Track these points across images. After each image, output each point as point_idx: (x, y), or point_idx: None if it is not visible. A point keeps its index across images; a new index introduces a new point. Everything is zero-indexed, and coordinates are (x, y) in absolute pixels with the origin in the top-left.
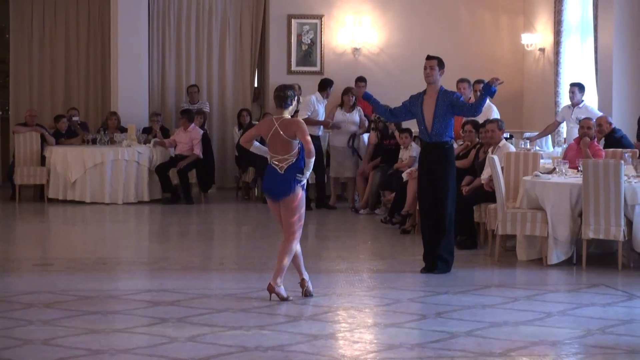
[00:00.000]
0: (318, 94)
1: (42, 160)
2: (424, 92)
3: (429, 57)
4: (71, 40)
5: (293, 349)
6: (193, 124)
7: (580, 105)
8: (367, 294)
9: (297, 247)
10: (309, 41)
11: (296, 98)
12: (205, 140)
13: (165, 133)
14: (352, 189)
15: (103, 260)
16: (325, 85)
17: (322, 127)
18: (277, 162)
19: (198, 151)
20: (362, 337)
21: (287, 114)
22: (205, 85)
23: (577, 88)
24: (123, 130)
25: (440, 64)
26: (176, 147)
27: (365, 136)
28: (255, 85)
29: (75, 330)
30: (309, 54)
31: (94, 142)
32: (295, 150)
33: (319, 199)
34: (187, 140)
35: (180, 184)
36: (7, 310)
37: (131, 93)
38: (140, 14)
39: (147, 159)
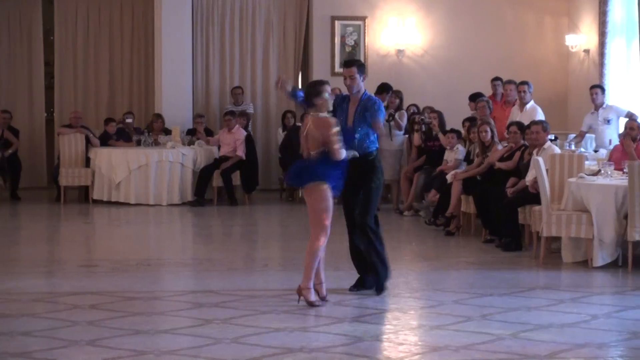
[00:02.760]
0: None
1: (87, 162)
2: (348, 99)
3: (346, 64)
4: (115, 43)
5: (337, 351)
6: (237, 125)
7: (604, 106)
8: (411, 296)
9: (322, 247)
10: (353, 43)
11: (322, 95)
12: (249, 142)
13: (209, 134)
14: (397, 190)
15: (147, 261)
16: (382, 90)
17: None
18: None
19: (241, 153)
20: (406, 339)
21: (318, 112)
22: (249, 86)
23: (599, 90)
24: (167, 132)
25: (361, 69)
26: (220, 148)
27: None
28: (300, 86)
29: (120, 331)
30: (352, 55)
31: (138, 143)
32: (323, 148)
33: None
34: (231, 141)
35: (224, 186)
36: (52, 311)
37: (175, 95)
38: (184, 16)
39: (191, 161)
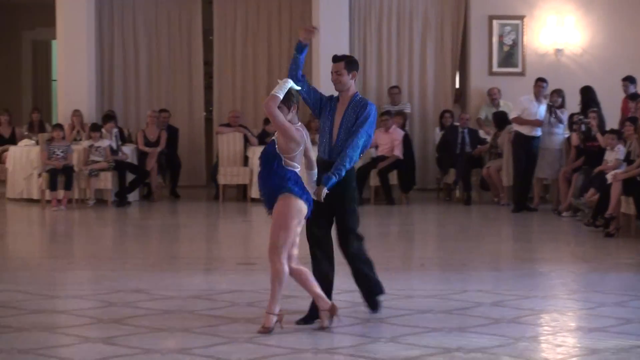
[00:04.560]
0: (532, 94)
1: (245, 161)
2: (337, 98)
3: (334, 59)
4: (273, 42)
5: (495, 352)
6: (394, 125)
7: None
8: (570, 297)
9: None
10: (511, 42)
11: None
12: (407, 142)
13: None
14: (556, 191)
15: (304, 259)
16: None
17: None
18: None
19: (399, 152)
20: (565, 341)
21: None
22: (407, 86)
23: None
24: None
25: (350, 65)
26: (377, 148)
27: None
28: (457, 86)
29: (278, 328)
30: (510, 55)
31: None
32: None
33: (519, 200)
34: (388, 141)
35: (381, 185)
36: (211, 308)
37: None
38: (342, 16)
39: None
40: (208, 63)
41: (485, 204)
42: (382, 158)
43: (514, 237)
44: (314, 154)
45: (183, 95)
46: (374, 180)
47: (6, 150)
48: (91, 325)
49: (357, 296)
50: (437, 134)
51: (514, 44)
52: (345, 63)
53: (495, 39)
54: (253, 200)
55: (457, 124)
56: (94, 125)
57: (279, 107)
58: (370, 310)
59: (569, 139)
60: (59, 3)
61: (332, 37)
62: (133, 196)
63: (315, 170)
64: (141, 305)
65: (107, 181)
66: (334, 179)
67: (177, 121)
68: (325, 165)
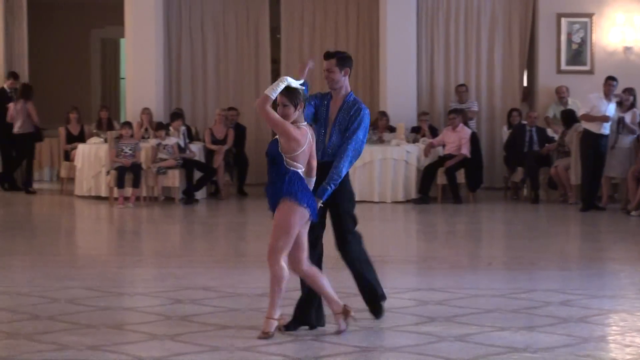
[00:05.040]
0: (602, 92)
1: None
2: (330, 96)
3: (325, 56)
4: (340, 40)
5: (562, 351)
6: (461, 124)
7: None
8: (639, 297)
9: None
10: (579, 40)
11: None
12: (474, 140)
13: (434, 132)
14: (625, 189)
15: (371, 258)
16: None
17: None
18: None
19: (466, 151)
20: (633, 341)
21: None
22: (474, 84)
23: None
24: (392, 129)
25: (342, 62)
26: (444, 147)
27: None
28: (525, 84)
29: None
30: (579, 53)
31: None
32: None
33: (588, 199)
34: (456, 139)
35: (448, 184)
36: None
37: (400, 92)
38: (409, 14)
39: (416, 158)
40: (275, 61)
41: (553, 202)
42: (449, 156)
43: (582, 236)
44: (315, 160)
45: (250, 94)
46: (441, 178)
47: (75, 148)
48: (158, 323)
49: (419, 294)
50: (505, 132)
51: (583, 42)
52: (337, 60)
53: (563, 37)
54: None
55: (525, 122)
56: (160, 124)
57: (285, 106)
58: (374, 317)
59: (638, 138)
60: (127, 2)
61: (399, 35)
62: (200, 194)
63: (314, 179)
64: (208, 302)
65: (174, 179)
66: (329, 190)
67: (244, 119)
68: (318, 167)
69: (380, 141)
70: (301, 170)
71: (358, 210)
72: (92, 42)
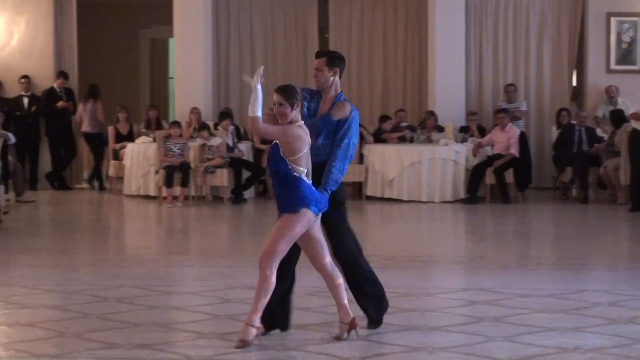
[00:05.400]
0: None
1: (361, 158)
2: (320, 95)
3: (317, 55)
4: (389, 39)
5: (612, 352)
6: (510, 124)
7: None
8: None
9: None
10: (629, 39)
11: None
12: (523, 140)
13: (482, 132)
14: None
15: (419, 257)
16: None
17: None
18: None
19: (514, 150)
20: None
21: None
22: (523, 84)
23: None
24: (440, 129)
25: (331, 61)
26: (493, 146)
27: None
28: (574, 84)
29: (393, 327)
30: (628, 52)
31: (411, 140)
32: None
33: (637, 199)
34: (504, 139)
35: (497, 183)
36: (326, 305)
37: (448, 92)
38: (458, 12)
39: (464, 158)
40: None
41: (602, 203)
42: (498, 156)
43: (631, 237)
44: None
45: None
46: (489, 178)
47: (124, 147)
48: (207, 322)
49: (468, 294)
50: (554, 132)
51: (632, 42)
52: (327, 59)
53: (613, 37)
54: (368, 197)
55: (574, 122)
56: (203, 124)
57: (281, 105)
58: (370, 325)
59: None
60: (176, 1)
61: (448, 35)
62: (249, 193)
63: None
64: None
65: (223, 178)
66: (325, 196)
67: None
68: (314, 167)
69: (429, 141)
70: (304, 173)
71: (407, 210)
72: (141, 42)
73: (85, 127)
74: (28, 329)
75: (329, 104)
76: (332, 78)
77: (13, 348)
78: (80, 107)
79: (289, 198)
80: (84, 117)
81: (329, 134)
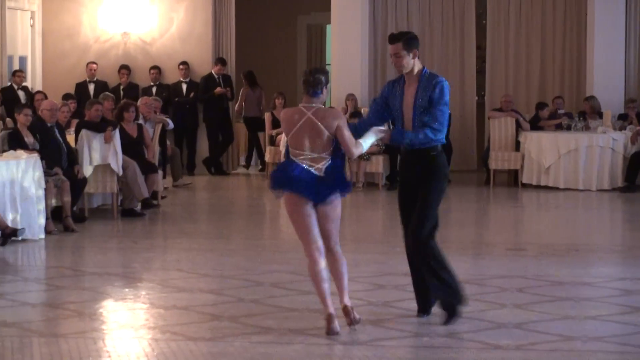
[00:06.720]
0: None
1: (517, 146)
2: (403, 80)
3: (390, 40)
4: (547, 25)
5: None
6: None
7: None
8: None
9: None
10: None
11: (328, 86)
12: None
13: None
14: None
15: (575, 246)
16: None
17: None
18: (310, 163)
19: None
20: None
21: (319, 104)
22: None
23: None
24: (600, 115)
25: (408, 44)
26: None
27: None
28: None
29: (548, 315)
30: None
31: (568, 128)
32: (332, 148)
33: None
34: None
35: None
36: (481, 293)
37: (607, 79)
38: (618, 2)
39: (622, 146)
40: (481, 47)
41: None
42: None
43: None
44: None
45: (455, 80)
46: None
47: (281, 133)
48: (361, 308)
49: (624, 284)
50: None
51: None
52: (404, 42)
53: None
54: (524, 185)
55: None
56: (354, 113)
57: (317, 92)
58: (446, 320)
59: None
60: None
61: (607, 20)
62: None
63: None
64: (410, 288)
65: (378, 165)
66: (405, 140)
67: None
68: (407, 155)
69: (586, 128)
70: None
71: (563, 198)
72: (299, 29)
73: (246, 112)
74: (184, 313)
75: (416, 84)
76: (412, 60)
77: (169, 331)
78: (243, 92)
79: (336, 184)
80: (247, 102)
81: (423, 115)
